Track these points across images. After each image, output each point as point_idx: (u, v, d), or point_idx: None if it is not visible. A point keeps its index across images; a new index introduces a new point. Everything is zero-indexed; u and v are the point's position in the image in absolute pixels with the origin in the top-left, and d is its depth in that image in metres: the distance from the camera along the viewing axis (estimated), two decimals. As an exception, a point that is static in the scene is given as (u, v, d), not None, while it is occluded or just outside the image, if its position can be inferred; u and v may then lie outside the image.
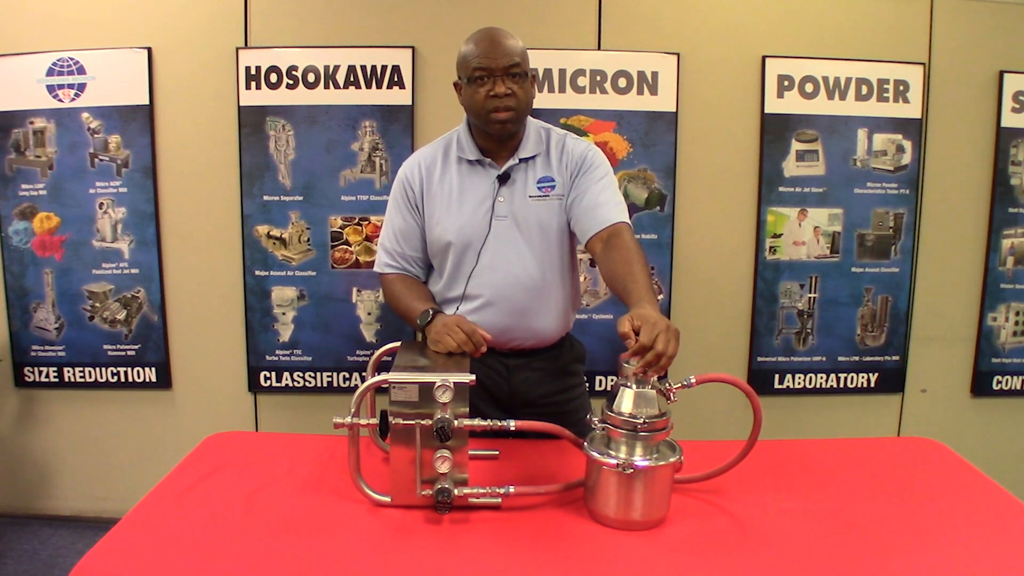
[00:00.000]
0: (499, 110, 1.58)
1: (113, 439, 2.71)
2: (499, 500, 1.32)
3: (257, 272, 2.59)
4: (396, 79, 2.49)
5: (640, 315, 1.26)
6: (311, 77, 2.48)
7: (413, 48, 2.48)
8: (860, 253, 2.64)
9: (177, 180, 2.56)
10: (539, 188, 1.67)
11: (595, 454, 1.28)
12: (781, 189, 2.59)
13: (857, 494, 1.42)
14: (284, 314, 2.61)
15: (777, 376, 2.70)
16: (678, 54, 2.50)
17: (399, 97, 2.50)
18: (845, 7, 2.53)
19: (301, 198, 2.54)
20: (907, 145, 2.58)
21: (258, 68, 2.48)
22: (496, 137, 1.65)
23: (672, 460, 1.28)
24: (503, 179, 1.66)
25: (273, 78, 2.48)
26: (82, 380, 2.66)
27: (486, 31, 1.61)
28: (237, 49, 2.47)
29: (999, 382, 2.74)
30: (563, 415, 1.68)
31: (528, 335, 1.70)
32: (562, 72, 2.49)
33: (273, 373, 2.65)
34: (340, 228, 2.57)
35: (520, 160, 1.67)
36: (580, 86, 2.51)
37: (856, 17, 2.53)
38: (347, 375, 2.65)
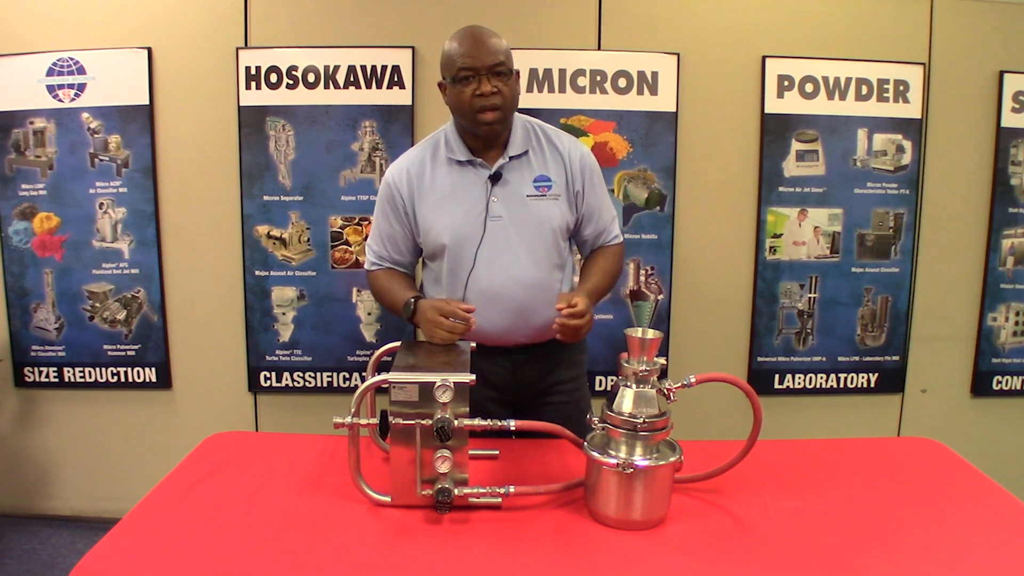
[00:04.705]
0: (486, 110, 1.59)
1: (113, 439, 2.71)
2: (499, 500, 1.32)
3: (257, 272, 2.59)
4: (396, 79, 2.49)
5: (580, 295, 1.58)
6: (311, 77, 2.48)
7: (413, 48, 2.48)
8: (860, 253, 2.64)
9: (177, 180, 2.56)
10: (536, 187, 1.68)
11: (595, 454, 1.29)
12: (781, 189, 2.59)
13: (857, 494, 1.42)
14: (284, 314, 2.61)
15: (777, 376, 2.70)
16: (678, 54, 2.50)
17: (399, 97, 2.50)
18: (845, 7, 2.53)
19: (301, 198, 2.54)
20: (907, 145, 2.58)
21: (258, 68, 2.48)
22: (484, 136, 1.65)
23: (672, 460, 1.28)
24: (495, 179, 1.66)
25: (273, 78, 2.48)
26: (82, 380, 2.66)
27: (469, 30, 1.62)
28: (237, 49, 2.47)
29: (999, 382, 2.74)
30: (567, 405, 1.71)
31: (530, 332, 1.71)
32: (562, 72, 2.49)
33: (273, 373, 2.65)
34: (340, 228, 2.57)
35: (510, 158, 1.68)
36: (580, 86, 2.51)
37: (856, 17, 2.53)
38: (347, 375, 2.65)
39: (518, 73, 1.69)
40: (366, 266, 1.81)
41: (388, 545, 1.23)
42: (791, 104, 2.54)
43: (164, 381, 2.67)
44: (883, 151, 2.58)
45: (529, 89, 2.46)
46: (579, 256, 1.89)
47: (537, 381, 1.76)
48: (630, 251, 2.53)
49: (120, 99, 2.50)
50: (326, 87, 2.49)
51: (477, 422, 1.31)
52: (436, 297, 1.73)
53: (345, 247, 2.57)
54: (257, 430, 2.69)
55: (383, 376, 1.31)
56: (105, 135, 2.52)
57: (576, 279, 1.81)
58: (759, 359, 2.68)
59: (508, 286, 1.66)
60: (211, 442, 1.65)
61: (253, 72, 2.48)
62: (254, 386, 2.66)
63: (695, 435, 1.55)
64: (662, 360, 1.31)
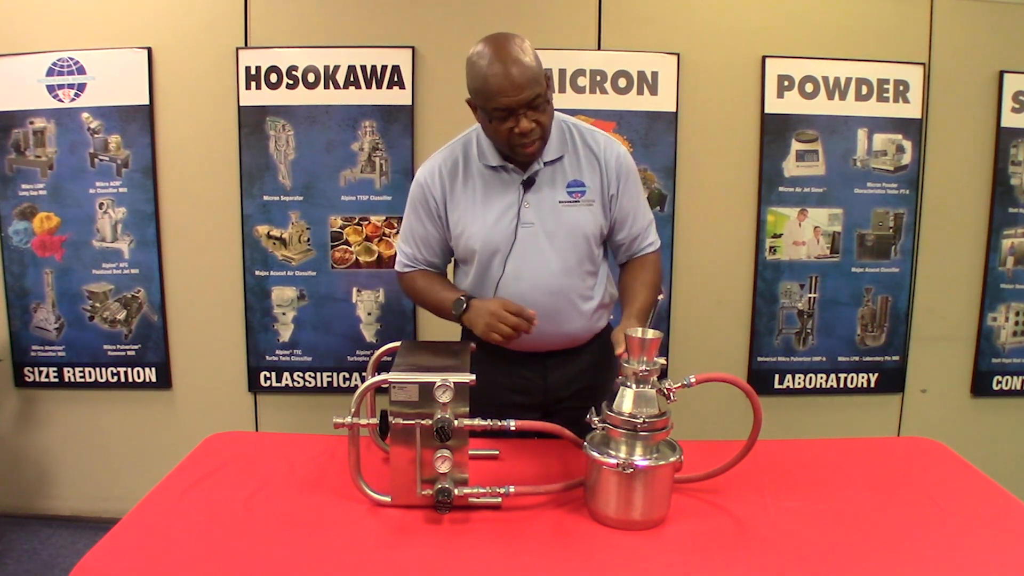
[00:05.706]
0: (526, 145, 1.54)
1: (113, 439, 2.71)
2: (499, 500, 1.32)
3: (257, 272, 2.59)
4: (396, 79, 2.49)
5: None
6: (311, 77, 2.48)
7: (413, 48, 2.48)
8: (860, 253, 2.64)
9: (177, 180, 2.56)
10: (569, 193, 1.63)
11: (595, 454, 1.29)
12: (781, 189, 2.59)
13: (857, 494, 1.42)
14: (284, 314, 2.61)
15: (777, 376, 2.70)
16: (678, 54, 2.50)
17: (399, 97, 2.50)
18: (845, 7, 2.53)
19: (301, 198, 2.54)
20: (907, 145, 2.58)
21: (258, 68, 2.48)
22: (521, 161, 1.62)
23: (672, 460, 1.28)
24: (528, 184, 1.62)
25: (273, 78, 2.48)
26: (82, 380, 2.66)
27: (499, 53, 1.46)
28: (237, 49, 2.47)
29: (999, 382, 2.74)
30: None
31: (561, 339, 1.68)
32: (562, 72, 2.49)
33: (273, 373, 2.65)
34: (340, 228, 2.57)
35: (544, 164, 1.62)
36: (580, 86, 2.51)
37: (856, 17, 2.53)
38: (347, 375, 2.65)
39: (549, 76, 1.54)
40: (397, 268, 1.77)
41: (388, 545, 1.23)
42: (791, 104, 2.54)
43: (164, 381, 2.67)
44: (883, 151, 2.58)
45: (529, 89, 2.46)
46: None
47: (566, 385, 1.73)
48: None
49: (120, 99, 2.50)
50: (326, 87, 2.49)
51: (477, 422, 1.31)
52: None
53: (345, 247, 2.57)
54: (257, 430, 2.69)
55: (383, 376, 1.31)
56: (105, 135, 2.52)
57: (613, 290, 1.76)
58: (759, 359, 2.68)
59: (536, 293, 1.61)
60: (211, 442, 1.65)
61: (253, 72, 2.48)
62: (254, 386, 2.66)
63: (695, 435, 1.54)
64: (662, 360, 1.31)
